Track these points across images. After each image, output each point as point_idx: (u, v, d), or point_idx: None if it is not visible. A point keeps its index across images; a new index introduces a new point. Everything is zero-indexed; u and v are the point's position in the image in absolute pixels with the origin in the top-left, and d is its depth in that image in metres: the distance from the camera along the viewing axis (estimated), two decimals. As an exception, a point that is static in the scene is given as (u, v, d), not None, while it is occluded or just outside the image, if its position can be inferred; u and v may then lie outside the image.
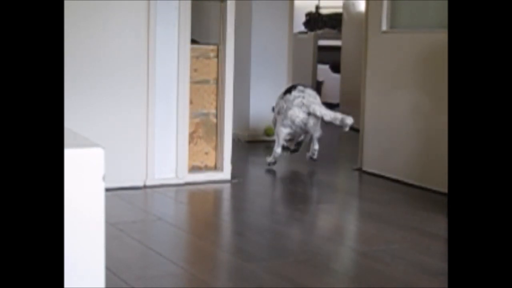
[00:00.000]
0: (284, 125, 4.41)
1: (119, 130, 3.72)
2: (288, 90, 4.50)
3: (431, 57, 3.92)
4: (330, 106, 7.39)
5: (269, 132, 5.45)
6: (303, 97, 4.37)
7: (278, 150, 4.46)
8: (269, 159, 4.51)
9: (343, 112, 4.44)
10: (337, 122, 4.28)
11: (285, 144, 4.61)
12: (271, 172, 4.45)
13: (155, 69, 3.77)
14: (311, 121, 4.37)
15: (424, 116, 3.98)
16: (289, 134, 4.48)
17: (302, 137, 4.70)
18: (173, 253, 2.80)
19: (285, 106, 4.40)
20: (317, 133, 4.52)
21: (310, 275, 2.55)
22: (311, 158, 4.65)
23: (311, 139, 4.60)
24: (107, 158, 1.70)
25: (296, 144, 4.78)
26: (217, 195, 3.96)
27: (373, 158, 4.39)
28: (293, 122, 4.37)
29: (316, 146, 4.59)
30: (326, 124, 4.46)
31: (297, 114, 4.35)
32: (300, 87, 4.47)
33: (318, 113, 4.31)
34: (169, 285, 2.44)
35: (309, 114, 4.34)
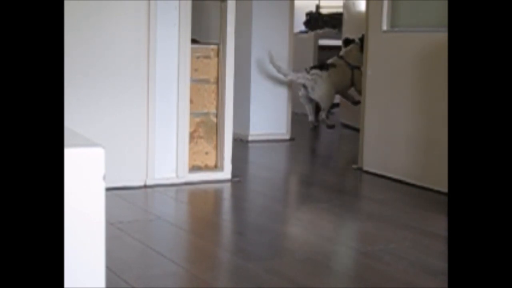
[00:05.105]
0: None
1: (119, 129, 3.73)
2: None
3: (431, 57, 3.92)
4: (330, 105, 7.42)
5: None
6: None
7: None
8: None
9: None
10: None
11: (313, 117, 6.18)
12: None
13: (156, 68, 3.77)
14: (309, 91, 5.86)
15: (424, 116, 3.98)
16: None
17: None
18: (173, 252, 2.80)
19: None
20: (323, 103, 5.89)
21: (310, 275, 2.55)
22: (327, 125, 5.94)
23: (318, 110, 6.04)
24: (107, 158, 1.70)
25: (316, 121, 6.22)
26: (218, 194, 3.96)
27: (373, 158, 4.39)
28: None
29: (323, 116, 5.91)
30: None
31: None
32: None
33: (290, 77, 5.70)
34: (170, 284, 2.45)
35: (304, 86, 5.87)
